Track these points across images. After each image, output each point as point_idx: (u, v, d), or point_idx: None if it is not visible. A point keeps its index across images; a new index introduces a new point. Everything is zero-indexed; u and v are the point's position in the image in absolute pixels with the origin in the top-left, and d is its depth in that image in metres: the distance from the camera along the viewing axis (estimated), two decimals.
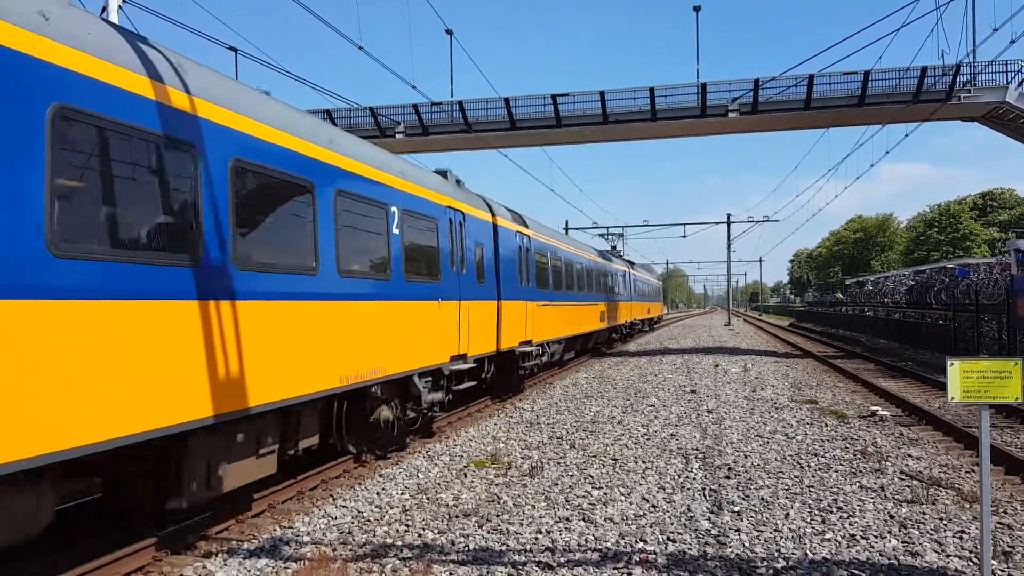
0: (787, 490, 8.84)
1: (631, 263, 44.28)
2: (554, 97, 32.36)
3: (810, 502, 8.30)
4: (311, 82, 12.72)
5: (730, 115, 31.25)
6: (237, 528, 7.99)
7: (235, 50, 14.94)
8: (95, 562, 6.59)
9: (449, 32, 33.26)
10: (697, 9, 34.14)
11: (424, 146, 35.27)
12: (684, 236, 61.34)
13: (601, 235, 49.13)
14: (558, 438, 12.35)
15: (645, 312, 48.49)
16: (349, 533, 7.50)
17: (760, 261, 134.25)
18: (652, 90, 31.52)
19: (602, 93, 31.95)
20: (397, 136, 33.84)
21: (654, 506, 8.24)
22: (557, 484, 9.25)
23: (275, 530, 7.70)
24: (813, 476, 9.50)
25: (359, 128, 33.79)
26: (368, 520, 7.95)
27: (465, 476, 9.84)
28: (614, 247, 46.90)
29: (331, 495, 9.27)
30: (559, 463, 10.44)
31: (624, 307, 37.26)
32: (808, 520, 7.65)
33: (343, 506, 8.52)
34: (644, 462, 10.38)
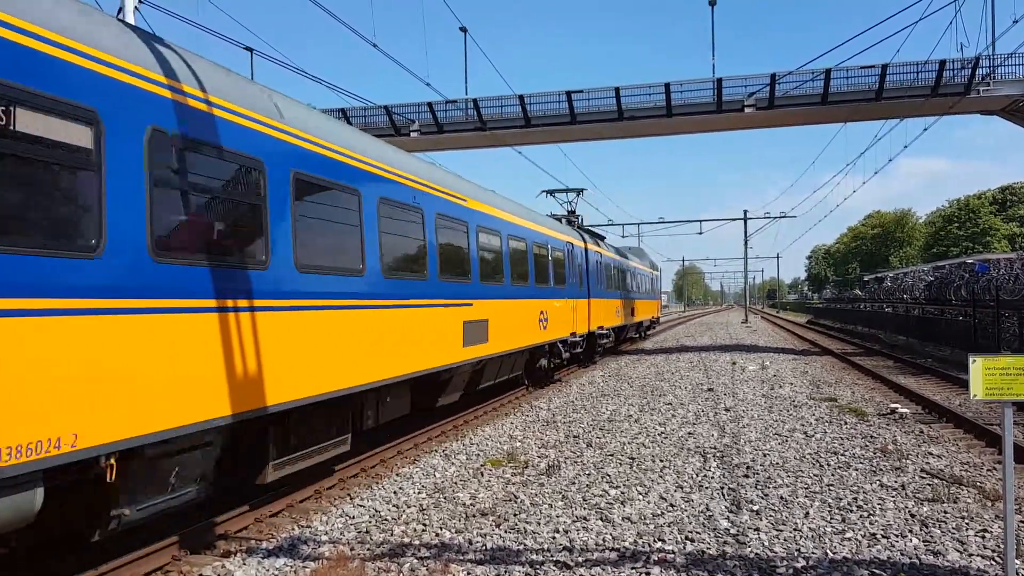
0: (807, 489, 8.78)
1: (597, 237, 28.65)
2: (569, 94, 32.30)
3: (830, 501, 8.24)
4: (327, 81, 12.74)
5: (746, 110, 31.07)
6: (256, 527, 8.03)
7: (251, 50, 15.02)
8: (114, 562, 6.64)
9: (463, 30, 33.28)
10: (712, 3, 33.98)
11: (439, 144, 35.33)
12: (701, 233, 61.21)
13: (548, 191, 30.99)
14: (575, 437, 12.33)
15: (625, 315, 32.00)
16: (367, 532, 7.51)
17: (777, 257, 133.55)
18: (667, 86, 31.41)
19: (617, 89, 31.86)
20: (412, 134, 33.91)
21: (672, 505, 8.20)
22: (574, 483, 9.23)
23: (293, 529, 7.73)
24: (833, 474, 9.43)
25: (374, 126, 33.88)
26: (386, 519, 7.96)
27: (482, 475, 9.84)
28: (572, 212, 29.61)
29: (348, 494, 9.29)
30: (576, 462, 10.42)
31: (571, 308, 21.25)
32: (828, 519, 7.59)
33: (360, 505, 8.54)
34: (662, 461, 10.33)
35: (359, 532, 7.54)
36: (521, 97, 32.79)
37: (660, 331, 53.60)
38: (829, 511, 7.87)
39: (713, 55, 34.78)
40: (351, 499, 8.91)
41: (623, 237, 63.63)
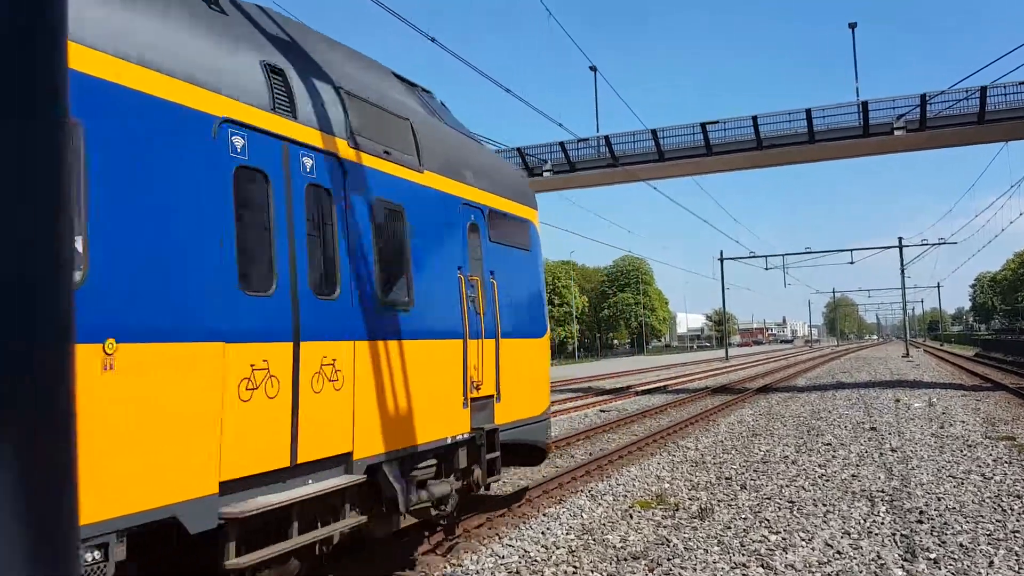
0: (989, 535, 8.00)
1: None
2: (703, 125, 31.85)
3: (1016, 548, 7.47)
4: (468, 131, 13.12)
5: (895, 133, 29.55)
6: (408, 563, 8.13)
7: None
8: None
9: (593, 68, 33.60)
10: (852, 26, 32.78)
11: (571, 182, 35.58)
12: (852, 263, 58.21)
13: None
14: (727, 479, 11.83)
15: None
16: (517, 573, 7.45)
17: (938, 287, 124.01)
18: (809, 112, 30.42)
19: (755, 118, 31.16)
20: (544, 174, 34.33)
21: (839, 552, 7.67)
22: (730, 527, 8.81)
23: (446, 568, 7.77)
24: (1018, 520, 8.56)
25: None
26: (535, 560, 7.87)
27: (631, 517, 9.59)
28: None
29: (497, 533, 9.27)
30: (730, 505, 9.97)
31: None
32: (1016, 568, 6.88)
33: (509, 545, 8.50)
34: (824, 505, 9.72)
35: (509, 573, 7.48)
36: (654, 131, 32.63)
37: (812, 367, 50.82)
38: (1016, 560, 7.13)
39: (856, 79, 33.31)
40: (499, 539, 8.89)
41: (767, 269, 60.99)
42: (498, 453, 8.50)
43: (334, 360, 6.18)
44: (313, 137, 6.13)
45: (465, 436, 8.00)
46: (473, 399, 8.16)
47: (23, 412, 0.61)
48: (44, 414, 0.62)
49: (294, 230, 5.86)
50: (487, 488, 8.85)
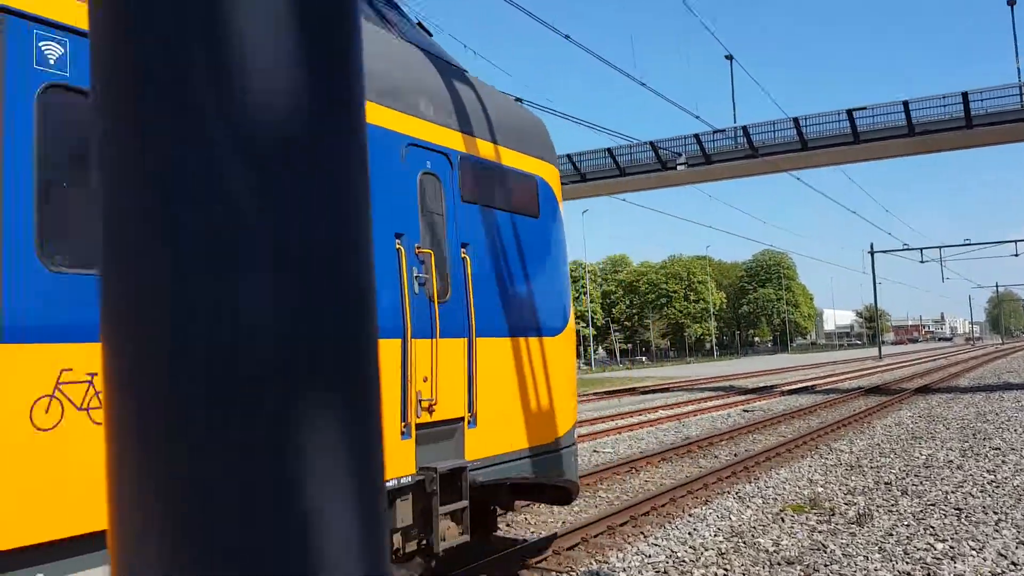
0: None
1: None
2: (850, 112, 30.39)
3: None
4: (598, 124, 13.05)
5: None
6: (555, 559, 8.20)
7: (520, 100, 15.93)
8: None
9: (729, 57, 32.76)
10: (1012, 3, 30.32)
11: (708, 175, 34.76)
12: (1016, 255, 53.72)
13: None
14: (886, 483, 11.21)
15: None
16: (665, 573, 7.36)
17: None
18: (965, 95, 28.40)
19: (906, 103, 29.43)
20: (679, 168, 33.67)
21: (1015, 564, 7.12)
22: (891, 534, 8.36)
23: (591, 564, 7.79)
24: None
25: (639, 163, 34.20)
26: (683, 561, 7.75)
27: (782, 521, 9.26)
28: None
29: (641, 532, 9.20)
30: (890, 511, 9.45)
31: None
32: None
33: (655, 544, 8.41)
34: (995, 512, 9.05)
35: (657, 572, 7.41)
36: (796, 120, 31.41)
37: (975, 367, 47.44)
38: None
39: (1017, 59, 30.77)
40: (644, 537, 8.82)
41: (922, 262, 57.20)
42: (465, 503, 5.85)
43: (93, 376, 3.69)
44: (62, 10, 3.77)
45: (404, 481, 5.52)
46: (422, 425, 5.72)
47: (349, 395, 0.67)
48: (356, 403, 0.69)
49: (16, 158, 3.54)
50: (476, 537, 6.43)
